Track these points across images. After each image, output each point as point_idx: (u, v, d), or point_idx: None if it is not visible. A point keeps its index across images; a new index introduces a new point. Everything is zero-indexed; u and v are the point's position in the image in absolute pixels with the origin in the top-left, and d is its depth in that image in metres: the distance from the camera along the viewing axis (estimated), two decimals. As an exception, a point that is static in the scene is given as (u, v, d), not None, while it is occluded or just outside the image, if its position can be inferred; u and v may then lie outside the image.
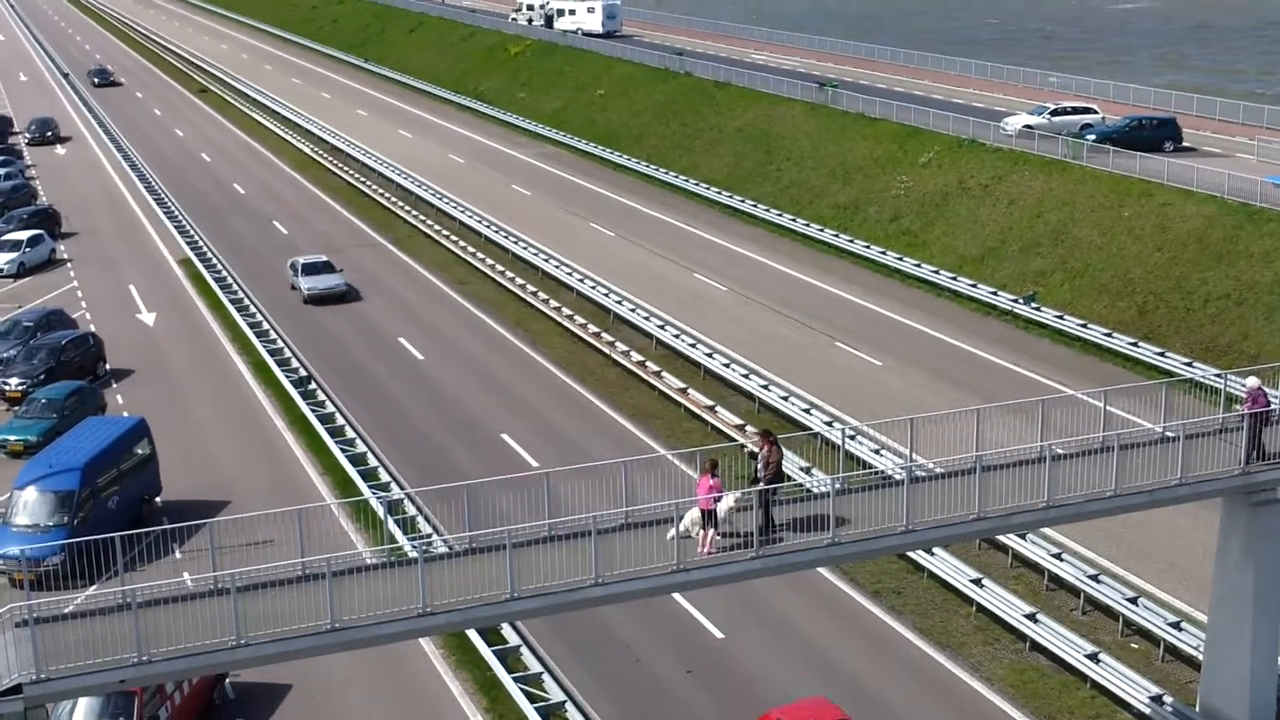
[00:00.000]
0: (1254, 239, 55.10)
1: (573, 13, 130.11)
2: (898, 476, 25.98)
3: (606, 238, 73.32)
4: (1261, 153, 68.26)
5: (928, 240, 67.46)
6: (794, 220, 73.60)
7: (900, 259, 65.27)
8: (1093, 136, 69.98)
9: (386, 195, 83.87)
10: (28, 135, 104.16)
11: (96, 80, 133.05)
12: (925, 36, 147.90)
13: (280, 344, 56.12)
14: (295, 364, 53.68)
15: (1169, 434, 27.50)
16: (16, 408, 48.64)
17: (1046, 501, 25.95)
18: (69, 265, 70.17)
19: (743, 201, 78.20)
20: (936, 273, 62.71)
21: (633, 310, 58.72)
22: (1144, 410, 30.32)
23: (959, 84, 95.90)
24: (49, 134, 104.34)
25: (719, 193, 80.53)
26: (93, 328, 57.52)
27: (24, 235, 70.23)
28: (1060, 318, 55.45)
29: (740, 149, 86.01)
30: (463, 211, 77.68)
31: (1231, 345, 50.79)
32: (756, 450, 27.51)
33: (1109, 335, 53.02)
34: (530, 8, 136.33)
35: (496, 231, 72.99)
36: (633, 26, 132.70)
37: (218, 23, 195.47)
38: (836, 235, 70.15)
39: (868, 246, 67.71)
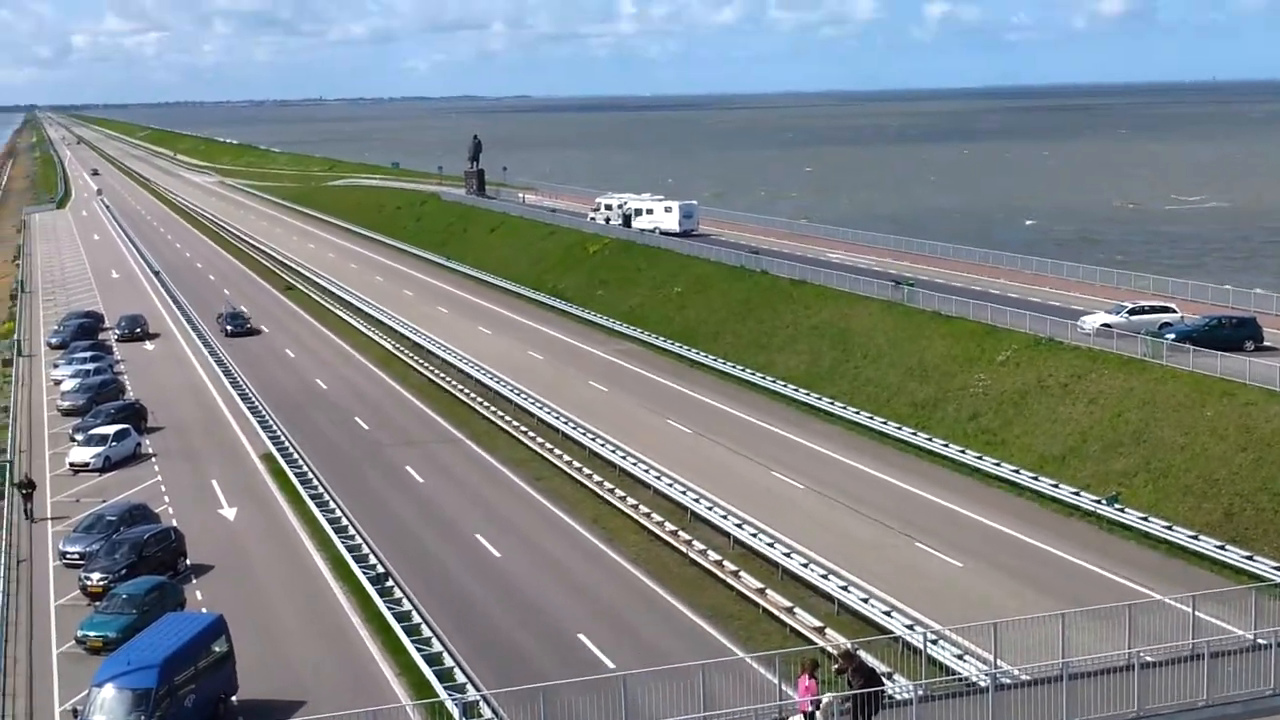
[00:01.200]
0: (1341, 440, 54.26)
1: (650, 212, 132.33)
2: (982, 683, 25.50)
3: (684, 434, 73.48)
4: (1345, 352, 67.61)
5: (1007, 439, 67.03)
6: (871, 418, 73.48)
7: (979, 458, 64.82)
8: (1172, 335, 69.69)
9: (465, 391, 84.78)
10: (117, 332, 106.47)
11: (230, 328, 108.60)
12: (992, 237, 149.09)
13: (359, 540, 56.34)
14: (373, 560, 53.81)
15: (1261, 641, 26.87)
16: (97, 603, 48.98)
17: (1137, 711, 25.34)
18: (154, 459, 71.18)
19: (820, 399, 78.28)
20: (1017, 472, 62.15)
21: (710, 508, 58.53)
22: (1234, 616, 29.73)
23: (1035, 282, 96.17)
24: (137, 330, 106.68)
25: (796, 390, 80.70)
26: (174, 522, 58.11)
27: (110, 430, 71.50)
28: (1145, 519, 54.59)
29: (817, 346, 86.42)
30: (540, 407, 78.27)
31: (1323, 549, 49.70)
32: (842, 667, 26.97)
33: (1195, 538, 52.08)
34: (608, 207, 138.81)
35: (574, 428, 73.36)
36: (709, 226, 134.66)
37: (305, 222, 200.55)
38: (914, 433, 69.90)
39: (946, 445, 67.36)
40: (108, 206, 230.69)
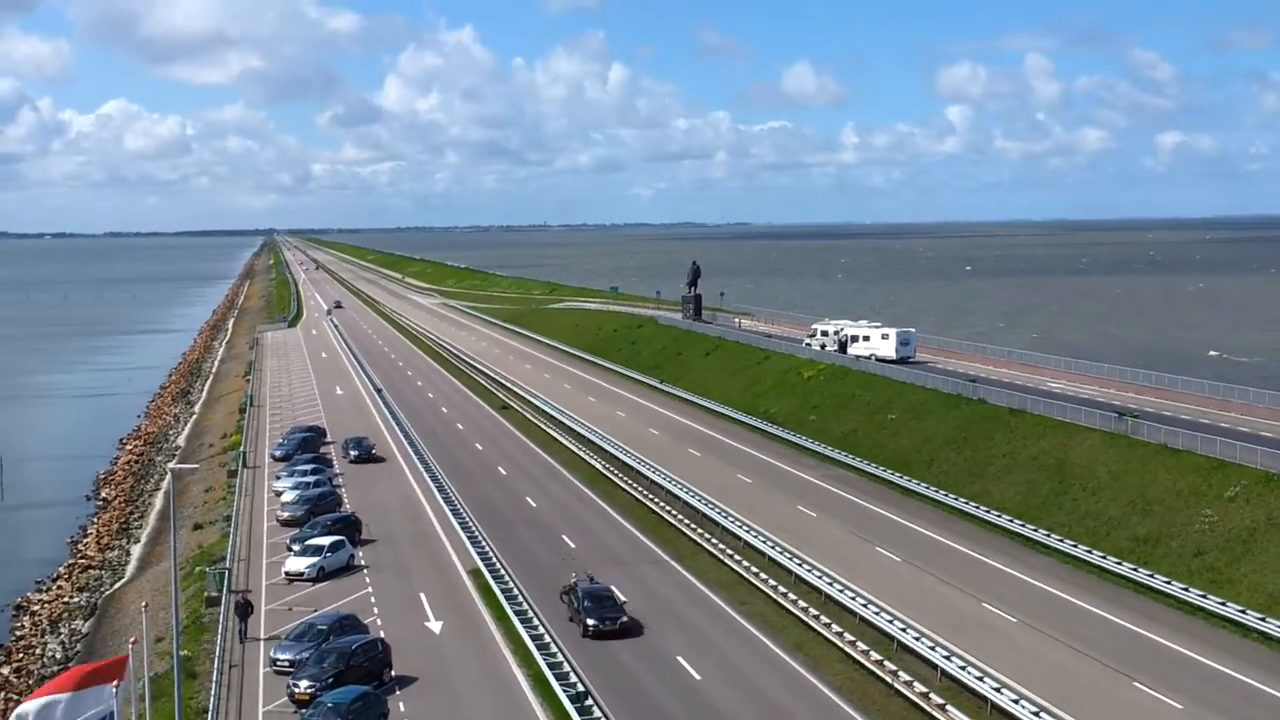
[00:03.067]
0: None
1: (867, 339, 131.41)
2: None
3: (892, 562, 71.94)
4: None
5: (1234, 577, 63.95)
6: (1089, 552, 70.95)
7: (1204, 596, 61.96)
8: None
9: (672, 512, 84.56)
10: (350, 454, 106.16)
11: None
12: (1237, 369, 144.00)
13: (560, 658, 56.21)
14: (574, 679, 53.57)
15: None
16: (304, 710, 49.69)
17: None
18: (365, 571, 72.42)
19: (1035, 530, 75.99)
20: (1244, 612, 59.18)
21: (917, 639, 56.94)
22: None
23: (1267, 416, 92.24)
24: (373, 452, 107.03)
25: (1010, 520, 78.53)
26: (382, 634, 58.84)
27: (326, 541, 73.08)
28: (1384, 667, 51.38)
29: (1033, 477, 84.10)
30: (747, 531, 77.55)
31: None
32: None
33: None
34: (824, 334, 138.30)
35: (780, 552, 72.43)
36: (926, 353, 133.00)
37: (523, 343, 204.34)
38: (1135, 569, 67.22)
39: (1168, 582, 64.56)
40: (336, 326, 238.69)
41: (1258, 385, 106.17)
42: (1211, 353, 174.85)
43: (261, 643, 60.03)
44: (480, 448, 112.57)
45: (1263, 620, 58.05)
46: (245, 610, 62.12)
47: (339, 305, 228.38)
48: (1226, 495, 70.54)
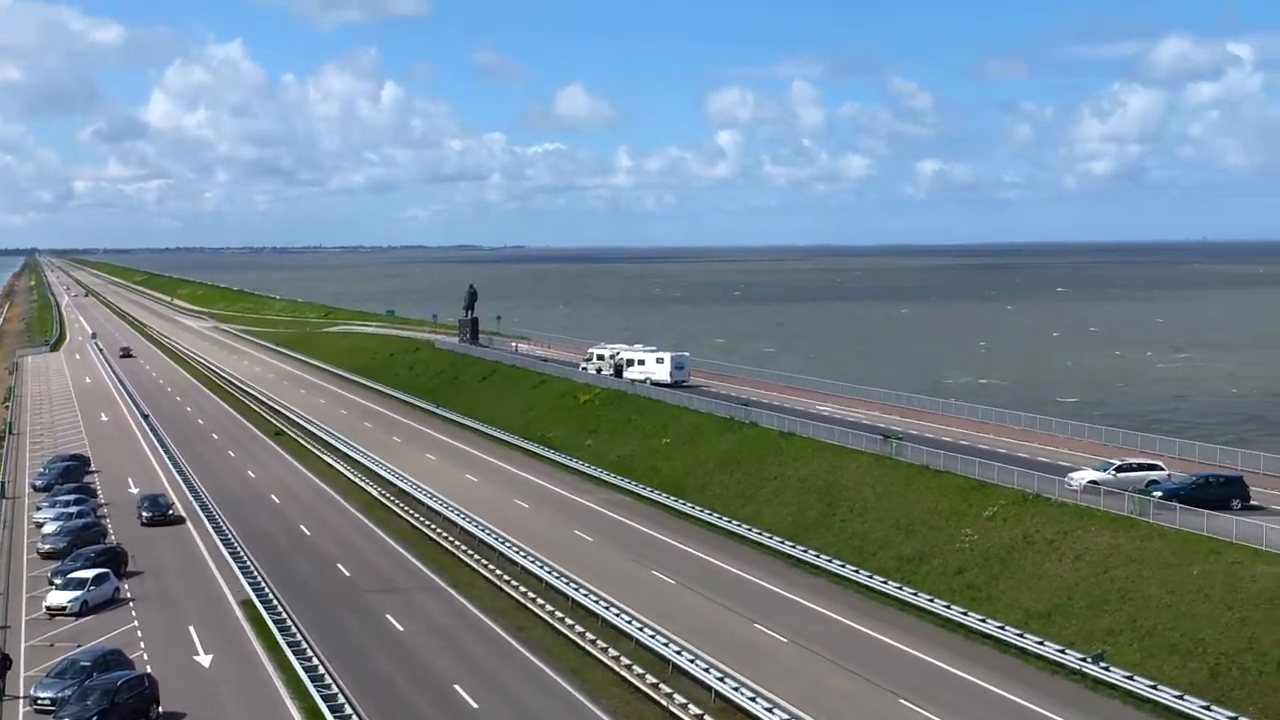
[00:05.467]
0: (1328, 600, 53.88)
1: (642, 363, 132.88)
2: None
3: (668, 585, 72.86)
4: (1332, 512, 67.38)
5: (993, 595, 66.53)
6: (857, 571, 72.96)
7: (965, 613, 64.24)
8: (1159, 493, 69.61)
9: (449, 538, 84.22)
10: (144, 515, 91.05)
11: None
12: (989, 391, 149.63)
13: (335, 689, 55.50)
14: (349, 711, 52.93)
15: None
16: (66, 750, 48.01)
17: None
18: (131, 604, 70.36)
19: (805, 551, 77.82)
20: (1002, 628, 61.56)
21: (692, 661, 57.78)
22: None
23: (1023, 438, 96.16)
24: (169, 513, 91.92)
25: (782, 542, 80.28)
26: (149, 669, 57.28)
27: (89, 574, 70.78)
28: (1130, 678, 53.95)
29: (804, 499, 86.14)
30: (523, 555, 77.66)
31: (1310, 711, 49.03)
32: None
33: (1180, 698, 51.44)
34: (600, 358, 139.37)
35: (557, 577, 72.73)
36: (700, 377, 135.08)
37: (298, 367, 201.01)
38: (900, 588, 69.36)
39: (931, 600, 66.80)
40: (101, 350, 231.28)
41: (1005, 407, 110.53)
42: (964, 379, 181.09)
43: (21, 700, 57.09)
44: (253, 475, 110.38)
45: (1020, 636, 60.42)
46: (3, 665, 58.64)
47: (127, 354, 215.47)
48: (985, 515, 73.30)
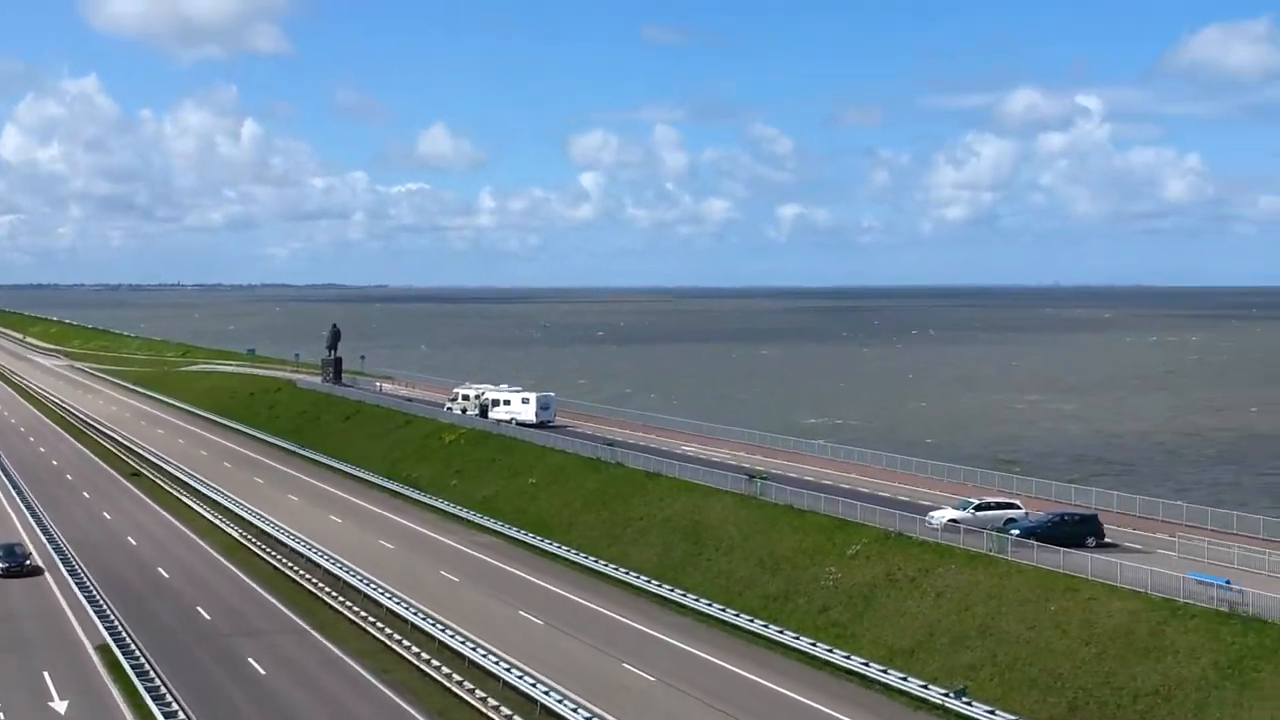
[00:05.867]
0: (1179, 634, 55.52)
1: (508, 403, 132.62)
2: None
3: (535, 626, 72.62)
4: (1182, 549, 69.30)
5: (857, 632, 67.36)
6: (723, 610, 73.39)
7: (830, 650, 64.93)
8: (1017, 531, 71.05)
9: (313, 580, 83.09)
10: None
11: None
12: (853, 433, 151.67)
13: (195, 734, 54.38)
14: (209, 755, 51.89)
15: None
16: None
17: None
18: (-18, 649, 68.30)
19: (672, 590, 78.09)
20: (866, 665, 62.34)
21: (560, 701, 57.58)
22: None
23: (885, 478, 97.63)
24: (26, 563, 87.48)
25: (648, 581, 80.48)
26: (2, 715, 55.61)
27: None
28: (992, 713, 54.88)
29: (669, 538, 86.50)
30: (389, 597, 76.84)
31: (1163, 743, 50.35)
32: None
33: (1040, 731, 52.49)
34: (465, 398, 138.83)
35: (423, 619, 72.07)
36: (566, 417, 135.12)
37: (156, 407, 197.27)
38: (766, 626, 69.90)
39: (797, 637, 67.41)
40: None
41: (866, 447, 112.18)
42: (823, 419, 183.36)
43: None
44: (109, 517, 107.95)
45: (884, 672, 61.21)
46: None
47: None
48: (849, 553, 74.24)
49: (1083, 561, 64.10)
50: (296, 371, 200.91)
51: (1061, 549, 65.91)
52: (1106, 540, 72.08)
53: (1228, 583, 58.86)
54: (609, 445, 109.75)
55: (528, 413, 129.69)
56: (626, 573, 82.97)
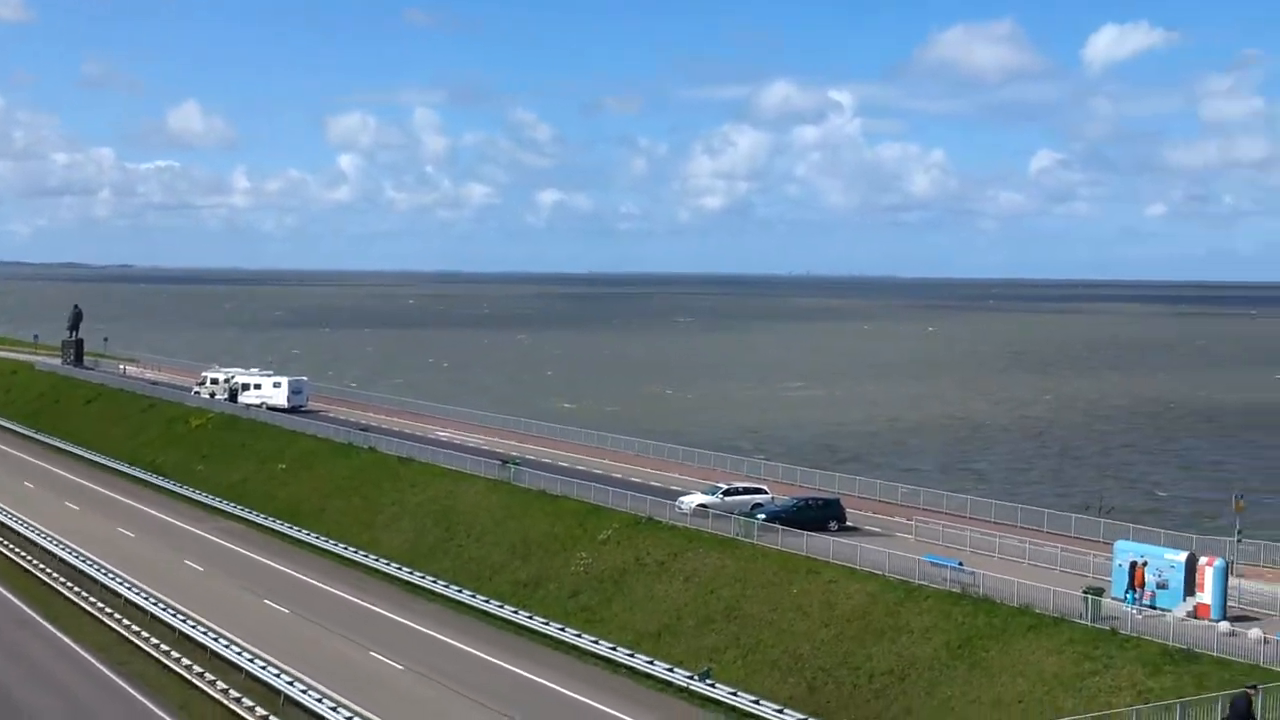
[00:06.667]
0: (914, 615, 57.49)
1: (258, 387, 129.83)
2: None
3: (281, 615, 71.36)
4: (919, 532, 71.87)
5: (606, 616, 67.99)
6: (474, 596, 73.29)
7: (579, 635, 65.41)
8: (763, 516, 72.61)
9: (47, 570, 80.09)
10: None
11: None
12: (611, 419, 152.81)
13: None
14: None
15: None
16: None
17: None
18: None
19: (423, 577, 77.62)
20: (614, 649, 62.98)
21: (304, 691, 56.68)
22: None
23: (638, 463, 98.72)
24: None
25: (399, 568, 79.84)
26: None
27: None
28: (734, 694, 56.05)
29: (421, 525, 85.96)
30: (128, 587, 74.52)
31: (896, 720, 52.14)
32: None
33: (781, 712, 53.76)
34: (214, 381, 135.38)
35: (163, 609, 70.10)
36: (319, 402, 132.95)
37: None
38: (516, 612, 70.04)
39: (546, 623, 67.71)
40: None
41: (620, 433, 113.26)
42: (577, 404, 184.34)
43: None
44: None
45: (631, 656, 61.95)
46: None
47: None
48: (600, 538, 74.86)
49: (825, 545, 65.88)
50: (35, 353, 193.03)
51: (805, 533, 67.63)
52: (848, 524, 74.26)
53: (960, 564, 61.28)
54: (362, 430, 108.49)
55: (279, 397, 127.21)
56: (377, 559, 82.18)
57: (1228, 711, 35.10)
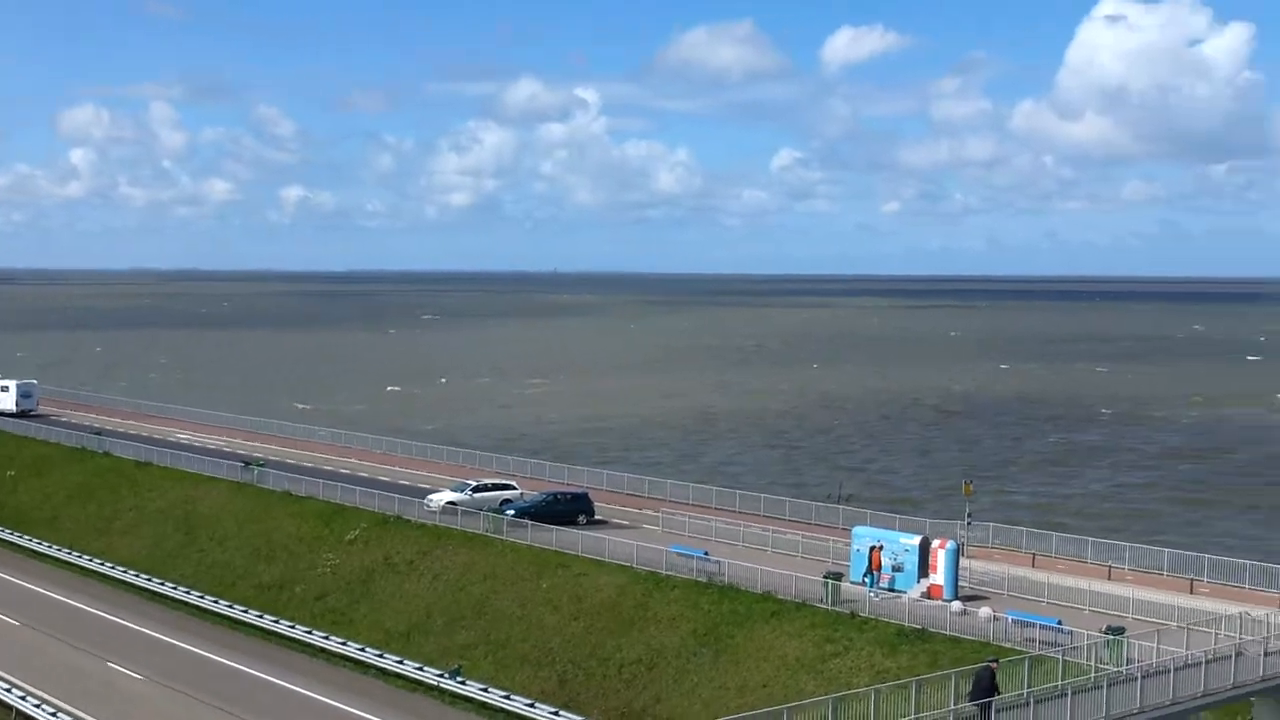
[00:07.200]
0: (662, 605, 58.41)
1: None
2: None
3: (11, 628, 68.48)
4: (666, 524, 73.00)
5: (355, 618, 67.20)
6: (217, 602, 71.57)
7: (327, 638, 64.51)
8: (512, 511, 72.79)
9: None
10: None
11: None
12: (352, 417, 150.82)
13: None
14: None
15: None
16: None
17: None
18: None
19: (163, 584, 75.46)
20: (363, 650, 62.32)
21: (38, 706, 54.57)
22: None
23: (386, 462, 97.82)
24: None
25: (138, 575, 77.46)
26: None
27: None
28: (485, 690, 56.08)
29: (162, 530, 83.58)
30: None
31: (645, 709, 52.95)
32: None
33: (531, 706, 54.01)
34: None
35: (-117, 626, 66.63)
36: (50, 406, 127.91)
37: None
38: (261, 616, 68.65)
39: (293, 626, 66.57)
40: None
41: (367, 431, 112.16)
42: (320, 405, 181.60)
43: None
44: None
45: (380, 657, 61.37)
46: None
47: None
48: (347, 539, 73.94)
49: (574, 539, 66.40)
50: None
51: (554, 527, 68.03)
52: (597, 518, 74.98)
53: (706, 554, 62.45)
54: (96, 434, 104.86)
55: (7, 401, 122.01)
56: (114, 567, 79.57)
57: (971, 685, 36.51)
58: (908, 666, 47.90)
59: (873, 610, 54.42)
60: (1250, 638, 43.39)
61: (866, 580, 58.47)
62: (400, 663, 60.28)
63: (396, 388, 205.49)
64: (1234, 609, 49.31)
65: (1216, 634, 44.67)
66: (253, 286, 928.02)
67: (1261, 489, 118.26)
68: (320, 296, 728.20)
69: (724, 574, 59.70)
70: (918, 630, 51.65)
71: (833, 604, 55.30)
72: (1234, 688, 40.98)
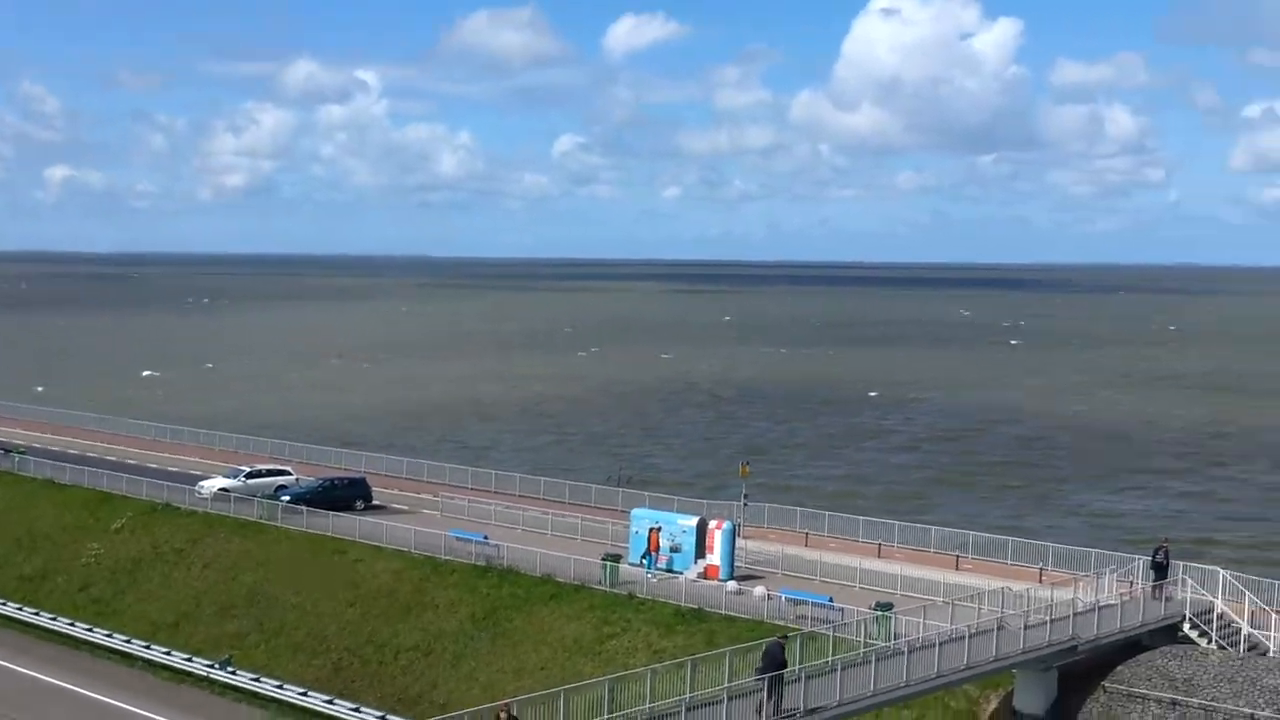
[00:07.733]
0: (439, 590, 57.98)
1: None
2: None
3: None
4: (445, 508, 72.45)
5: (120, 608, 65.17)
6: (-28, 596, 68.66)
7: (91, 630, 62.44)
8: (287, 497, 71.37)
9: None
10: None
11: None
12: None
13: None
14: None
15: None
16: None
17: None
18: None
19: (-86, 578, 72.03)
20: (129, 642, 60.48)
21: None
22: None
23: (156, 449, 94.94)
24: None
25: (-114, 570, 73.76)
26: None
27: None
28: (257, 680, 54.93)
29: (-88, 521, 79.66)
30: None
31: (422, 695, 52.54)
32: None
33: (304, 694, 53.12)
34: None
35: None
36: None
37: None
38: (20, 608, 66.12)
39: (55, 619, 64.26)
40: None
41: (135, 417, 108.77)
42: (88, 392, 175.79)
43: None
44: None
45: (147, 648, 59.63)
46: None
47: None
48: (114, 528, 71.64)
49: (351, 525, 65.43)
50: None
51: (331, 513, 66.92)
52: (375, 503, 74.01)
53: (485, 538, 62.16)
54: None
55: None
56: None
57: (762, 660, 36.80)
58: (684, 646, 48.38)
59: (650, 591, 54.81)
60: (1011, 611, 44.85)
61: (645, 562, 58.89)
62: (168, 653, 58.69)
63: (155, 373, 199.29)
64: (996, 584, 51.03)
65: (980, 609, 46.08)
66: (13, 267, 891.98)
67: (1019, 468, 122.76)
68: (85, 279, 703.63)
69: (503, 557, 59.51)
70: (694, 610, 52.20)
71: (611, 586, 55.54)
72: (996, 660, 42.29)
